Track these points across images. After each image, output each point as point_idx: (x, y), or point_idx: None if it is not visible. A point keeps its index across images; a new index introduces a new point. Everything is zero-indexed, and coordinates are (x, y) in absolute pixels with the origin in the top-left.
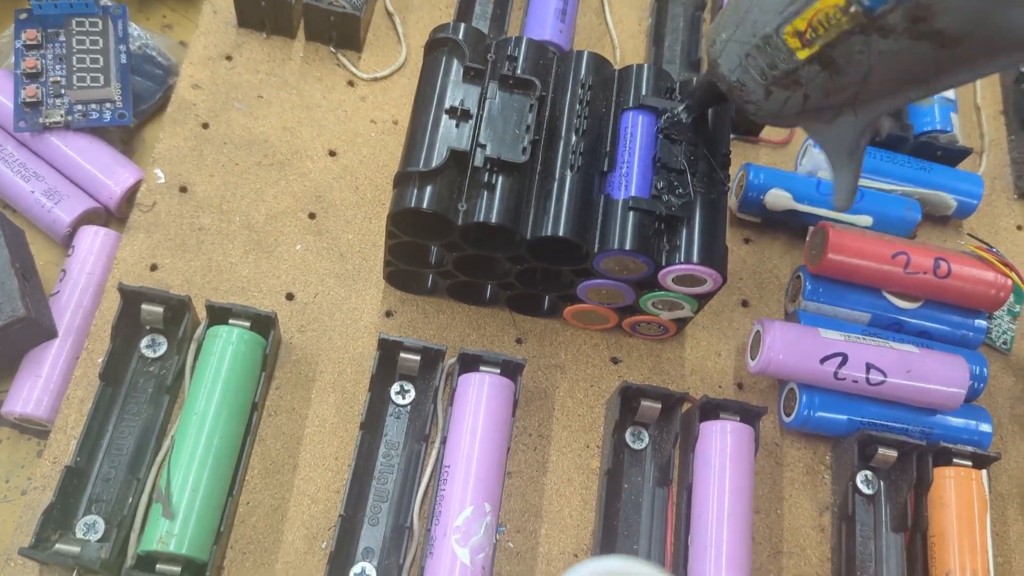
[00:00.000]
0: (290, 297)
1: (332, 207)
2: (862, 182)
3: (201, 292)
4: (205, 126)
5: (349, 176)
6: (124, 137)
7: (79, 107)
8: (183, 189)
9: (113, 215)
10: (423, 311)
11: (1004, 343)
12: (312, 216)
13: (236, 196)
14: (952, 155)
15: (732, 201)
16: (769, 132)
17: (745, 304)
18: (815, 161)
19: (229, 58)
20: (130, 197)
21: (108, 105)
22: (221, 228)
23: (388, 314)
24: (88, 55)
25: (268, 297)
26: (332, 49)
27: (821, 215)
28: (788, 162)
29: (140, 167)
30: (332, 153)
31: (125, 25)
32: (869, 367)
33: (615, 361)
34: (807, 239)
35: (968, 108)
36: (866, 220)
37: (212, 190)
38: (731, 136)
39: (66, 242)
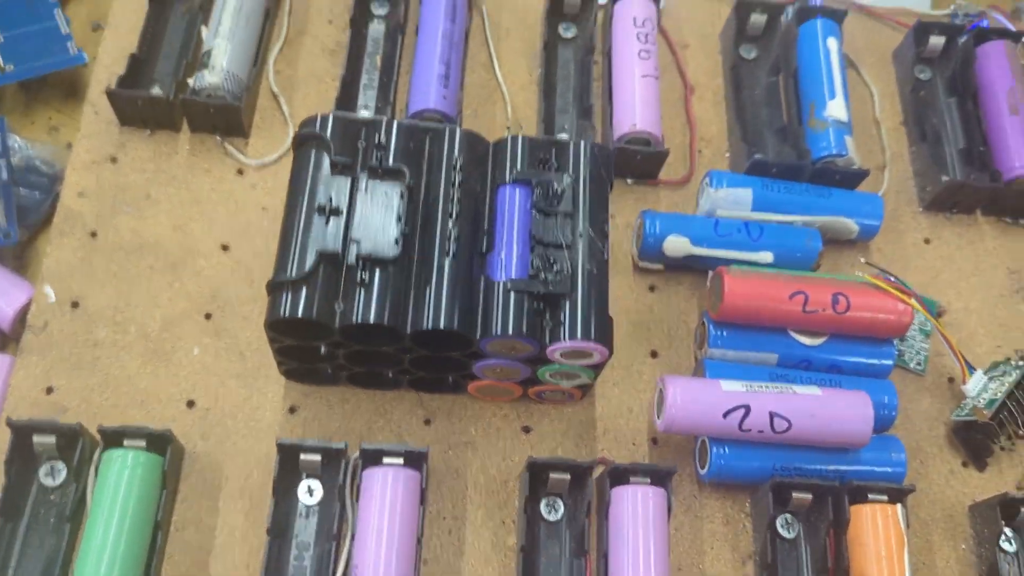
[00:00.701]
0: (191, 404)
1: (228, 305)
2: (759, 217)
3: (100, 411)
4: (93, 235)
5: (243, 270)
6: (16, 252)
7: None
8: (75, 304)
9: (7, 337)
10: (327, 402)
11: (918, 364)
12: (208, 317)
13: (130, 305)
14: (850, 178)
15: (633, 250)
16: (667, 173)
17: (655, 355)
18: (712, 200)
19: (114, 160)
20: (23, 316)
21: None
22: (116, 340)
23: (292, 410)
24: None
25: (168, 407)
26: (218, 138)
27: (721, 257)
28: (689, 200)
29: (32, 283)
30: (225, 247)
31: (4, 139)
32: (773, 416)
33: (527, 430)
34: (708, 285)
35: (868, 123)
36: (767, 257)
37: (105, 301)
38: (631, 181)
39: None
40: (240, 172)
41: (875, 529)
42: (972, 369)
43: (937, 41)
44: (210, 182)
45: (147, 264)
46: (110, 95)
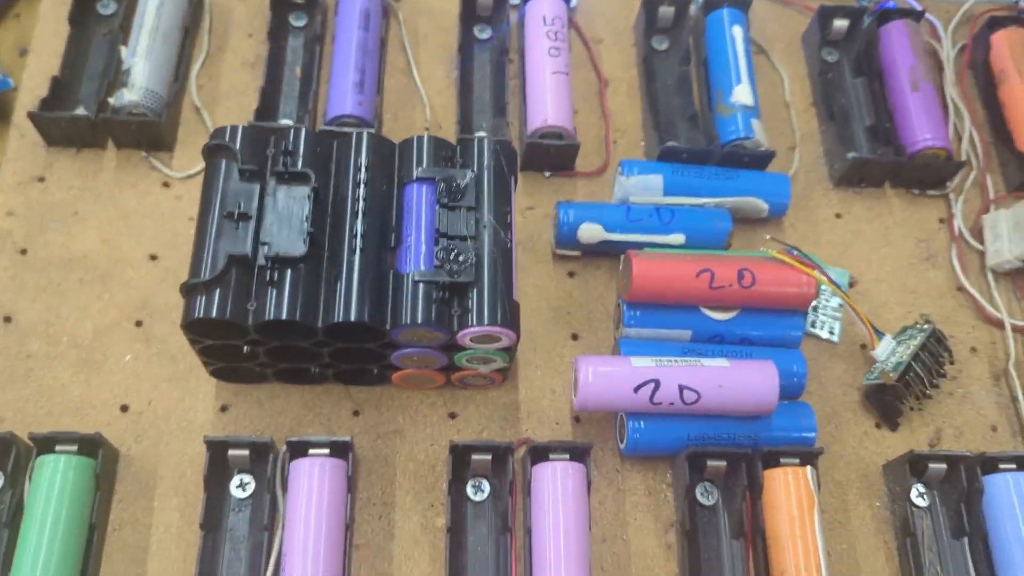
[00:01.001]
0: (124, 409)
1: (158, 312)
2: (671, 201)
3: (34, 420)
4: (23, 252)
5: (172, 278)
6: None
7: None
8: (7, 319)
9: None
10: (257, 400)
11: (831, 332)
12: (139, 324)
13: (61, 317)
14: (758, 159)
15: (550, 238)
16: (582, 163)
17: (575, 338)
18: (625, 188)
19: (41, 179)
20: None
21: None
22: (49, 352)
23: (223, 409)
24: None
25: (102, 413)
26: (143, 154)
27: (634, 241)
28: (606, 190)
29: None
30: (153, 257)
31: None
32: (682, 388)
33: (452, 416)
34: (620, 268)
35: (779, 107)
36: (679, 239)
37: (36, 315)
38: (548, 174)
39: None
40: (166, 185)
41: (787, 491)
42: (881, 335)
43: (841, 24)
44: (136, 196)
45: (76, 277)
46: (33, 117)
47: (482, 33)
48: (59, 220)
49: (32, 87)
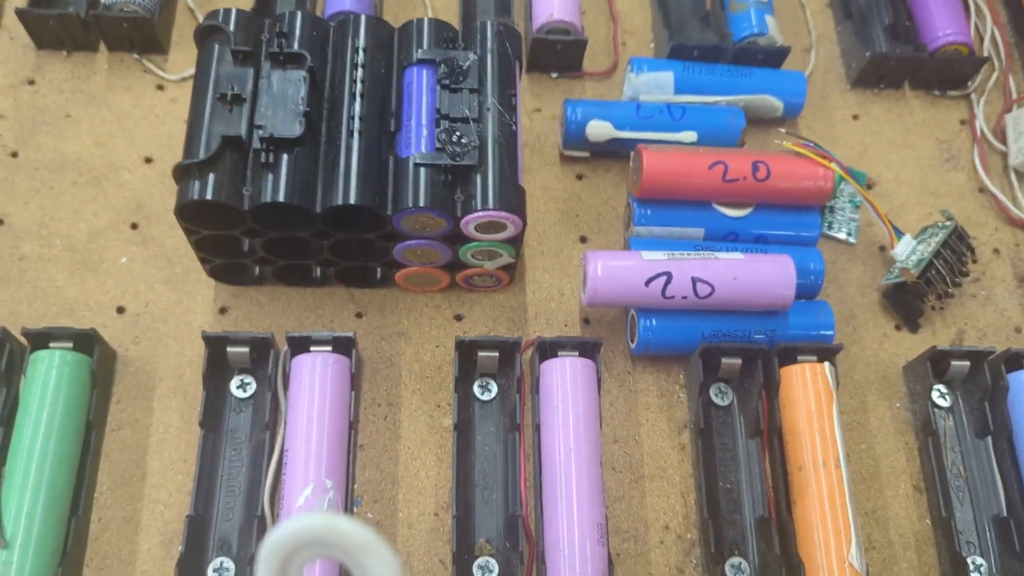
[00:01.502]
0: (120, 311)
1: (154, 214)
2: (684, 99)
3: (29, 321)
4: (14, 155)
5: (168, 181)
6: None
7: None
8: None
9: None
10: (257, 302)
11: (849, 233)
12: (135, 227)
13: (55, 219)
14: (772, 56)
15: (558, 140)
16: (590, 64)
17: (584, 240)
18: (635, 86)
19: (32, 82)
20: None
21: None
22: (43, 254)
23: (223, 311)
24: None
25: (98, 314)
26: (136, 56)
27: (644, 139)
28: (615, 91)
29: None
30: (148, 160)
31: None
32: (695, 281)
33: (458, 318)
34: (630, 165)
35: (793, 6)
36: (690, 136)
37: (29, 217)
38: (555, 75)
39: None
40: (160, 88)
41: (804, 387)
42: (900, 235)
43: None
44: (130, 99)
45: (70, 180)
46: (21, 15)
47: None
48: (50, 123)
49: None
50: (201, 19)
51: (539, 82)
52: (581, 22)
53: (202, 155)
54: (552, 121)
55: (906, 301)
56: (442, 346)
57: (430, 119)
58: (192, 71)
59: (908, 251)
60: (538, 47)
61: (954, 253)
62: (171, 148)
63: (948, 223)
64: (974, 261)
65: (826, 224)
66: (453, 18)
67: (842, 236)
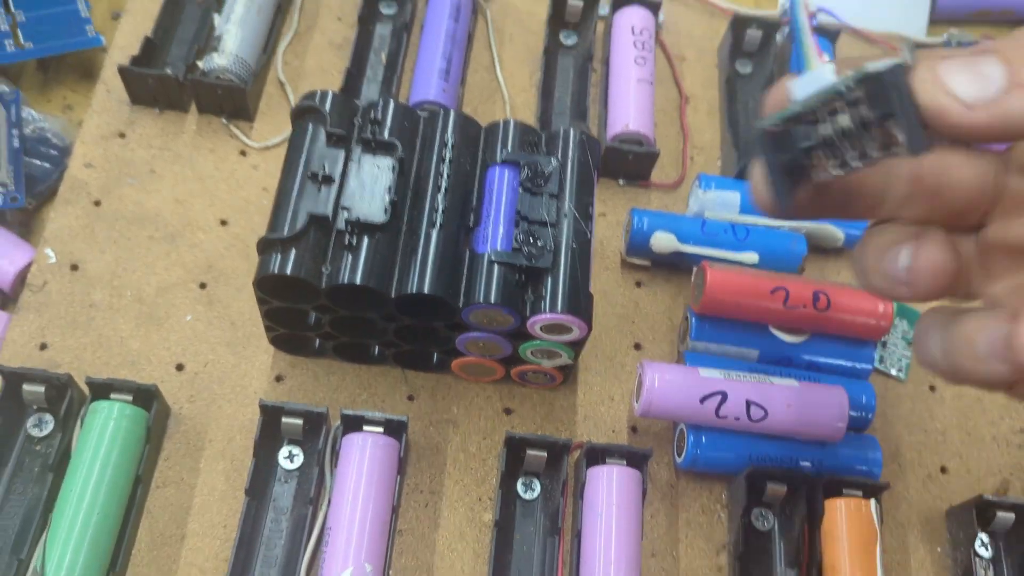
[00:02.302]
0: (180, 368)
1: (223, 276)
2: (748, 220)
3: (91, 369)
4: (97, 203)
5: (240, 244)
6: (22, 219)
7: None
8: (74, 267)
9: (7, 296)
10: (313, 374)
11: (899, 370)
12: (203, 286)
13: (127, 271)
14: None
15: (621, 247)
16: (657, 175)
17: (638, 347)
18: (701, 202)
19: (122, 135)
20: (23, 277)
21: (0, 189)
22: (112, 303)
23: (278, 379)
24: None
25: (158, 369)
26: (224, 121)
27: (706, 255)
28: (680, 204)
29: (34, 247)
30: (224, 222)
31: (18, 110)
32: (749, 404)
33: (508, 412)
34: (692, 279)
35: None
36: (752, 257)
37: (103, 266)
38: (623, 182)
39: None
40: (243, 153)
41: (849, 522)
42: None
43: None
44: (213, 161)
45: (147, 234)
46: (123, 72)
47: (568, 39)
48: (135, 176)
49: (123, 46)
50: (291, 92)
51: (606, 187)
52: (654, 134)
53: (287, 231)
54: (616, 227)
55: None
56: (489, 438)
57: (509, 219)
58: (275, 140)
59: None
60: (610, 155)
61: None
62: (247, 212)
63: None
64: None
65: (877, 358)
66: (530, 115)
67: (893, 372)
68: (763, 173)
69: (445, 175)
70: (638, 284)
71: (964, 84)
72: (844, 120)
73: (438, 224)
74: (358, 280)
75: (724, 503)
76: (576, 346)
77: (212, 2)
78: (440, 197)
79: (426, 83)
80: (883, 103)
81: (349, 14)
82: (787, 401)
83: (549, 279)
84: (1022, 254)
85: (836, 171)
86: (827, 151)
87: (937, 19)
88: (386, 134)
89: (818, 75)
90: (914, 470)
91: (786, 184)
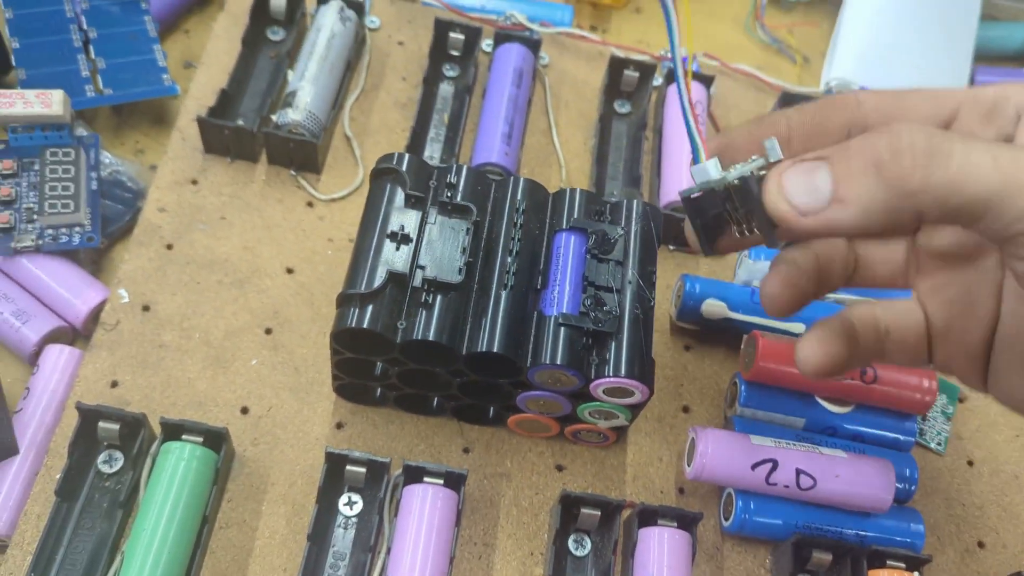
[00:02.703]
0: (245, 411)
1: (288, 323)
2: None
3: (159, 408)
4: (169, 247)
5: (305, 292)
6: (94, 257)
7: (50, 231)
8: (146, 308)
9: (79, 333)
10: (372, 422)
11: (939, 444)
12: (268, 332)
13: (196, 313)
14: None
15: (671, 310)
16: None
17: (686, 410)
18: (750, 271)
19: (195, 182)
20: (96, 315)
21: (77, 229)
22: (181, 345)
23: (339, 426)
24: (60, 183)
25: (224, 411)
26: (292, 172)
27: (755, 323)
28: (727, 271)
29: (107, 286)
30: (290, 271)
31: (97, 154)
32: (799, 472)
33: (560, 468)
34: (741, 347)
35: None
36: (800, 327)
37: (174, 308)
38: (672, 248)
39: (32, 360)
40: (310, 204)
41: None
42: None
43: None
44: (281, 211)
45: (216, 279)
46: (201, 123)
47: (622, 108)
48: (206, 222)
49: (197, 96)
50: (356, 148)
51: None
52: None
53: (364, 287)
54: (666, 291)
55: (710, 217)
56: (541, 494)
57: (576, 283)
58: (341, 193)
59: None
60: (663, 222)
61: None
62: (312, 262)
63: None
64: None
65: (918, 431)
66: (584, 179)
67: (932, 445)
68: (690, 228)
69: (516, 239)
70: (687, 348)
71: (799, 195)
72: (728, 204)
73: (508, 286)
74: (431, 336)
75: (768, 568)
76: (635, 409)
77: (284, 56)
78: (511, 260)
79: (489, 146)
80: (745, 203)
81: (414, 75)
82: (836, 471)
83: (613, 343)
84: (944, 259)
85: (738, 234)
86: (728, 218)
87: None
88: (459, 197)
89: (703, 169)
90: (953, 544)
91: (706, 236)
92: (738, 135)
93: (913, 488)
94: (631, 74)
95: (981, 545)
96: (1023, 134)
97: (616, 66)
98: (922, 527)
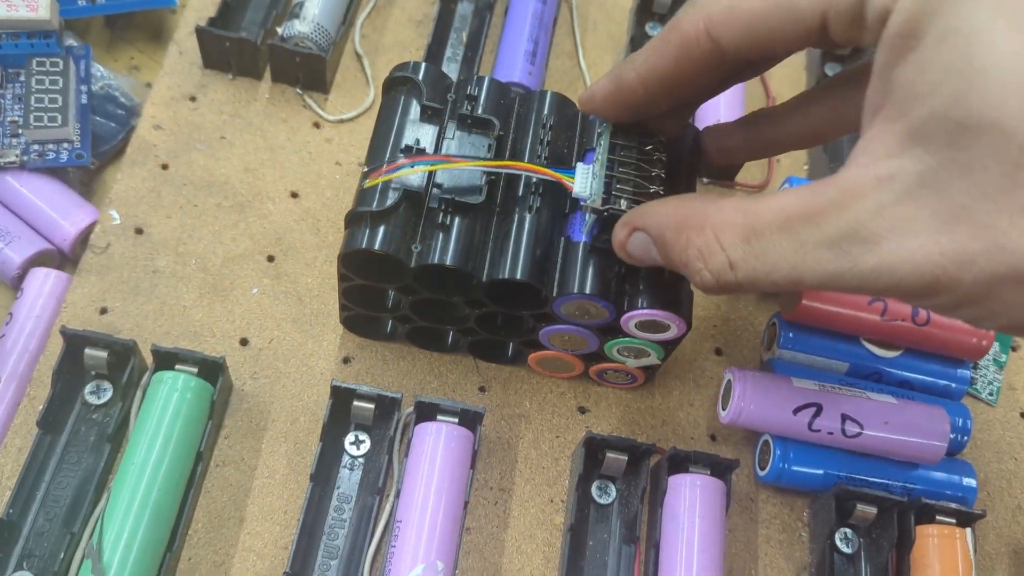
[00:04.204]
0: (244, 342)
1: (292, 250)
2: None
3: (152, 336)
4: (165, 167)
5: (311, 219)
6: (84, 178)
7: (36, 147)
8: (139, 231)
9: (67, 257)
10: (382, 357)
11: (990, 394)
12: (271, 259)
13: (193, 238)
14: None
15: None
16: (744, 176)
17: (719, 352)
18: None
19: (193, 99)
20: (85, 238)
21: (66, 145)
22: (176, 271)
23: (346, 360)
24: (47, 95)
25: (221, 342)
26: (298, 90)
27: None
28: None
29: (98, 208)
30: (294, 195)
31: (88, 65)
32: (845, 418)
33: (582, 411)
34: None
35: None
36: None
37: (168, 232)
38: (707, 181)
39: (16, 284)
40: (316, 125)
41: (942, 552)
42: (571, 171)
43: None
44: (286, 131)
45: (215, 202)
46: (200, 33)
47: (653, 30)
48: (205, 142)
49: (197, 8)
50: (368, 66)
51: None
52: None
53: (376, 205)
54: None
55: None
56: (562, 437)
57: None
58: (350, 114)
59: (587, 183)
60: None
61: (627, 149)
62: (318, 186)
63: (602, 126)
64: (661, 149)
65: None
66: None
67: (984, 395)
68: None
69: (543, 157)
70: None
71: (635, 250)
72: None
73: (533, 208)
74: (448, 261)
75: (806, 522)
76: (669, 346)
77: None
78: (536, 179)
79: (512, 64)
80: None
81: None
82: (884, 418)
83: (649, 273)
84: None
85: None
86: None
87: None
88: (480, 111)
89: (579, 175)
90: (1003, 500)
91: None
92: (602, 105)
93: (966, 439)
94: None
95: None
96: (882, 54)
97: None
98: (974, 481)
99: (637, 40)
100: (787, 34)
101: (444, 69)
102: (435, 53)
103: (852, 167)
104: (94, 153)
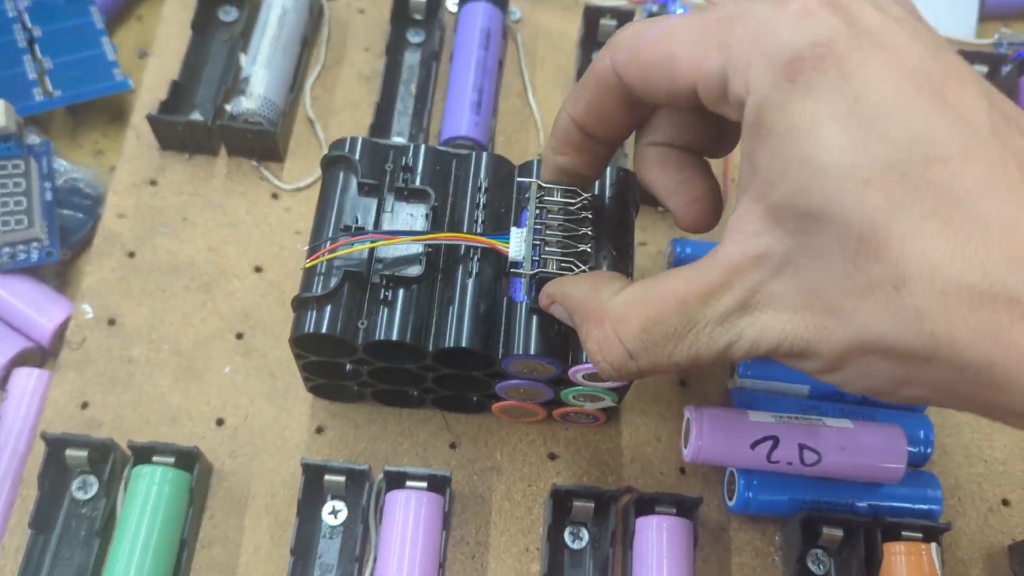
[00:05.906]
0: (220, 422)
1: (260, 324)
2: None
3: (132, 426)
4: (131, 255)
5: (276, 291)
6: (58, 270)
7: (6, 250)
8: (111, 322)
9: (48, 352)
10: (354, 423)
11: None
12: (240, 336)
13: (164, 323)
14: None
15: None
16: None
17: (684, 384)
18: None
19: (154, 183)
20: (63, 331)
21: (35, 244)
22: (150, 358)
23: (319, 430)
24: (12, 198)
25: (199, 424)
26: (254, 163)
27: None
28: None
29: (72, 300)
30: (258, 269)
31: (50, 162)
32: (802, 448)
33: (552, 457)
34: None
35: None
36: None
37: (140, 319)
38: (661, 209)
39: (1, 385)
40: (275, 196)
41: (909, 568)
42: (504, 236)
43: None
44: (245, 205)
45: (182, 284)
46: (151, 120)
47: None
48: (168, 225)
49: (151, 88)
50: (320, 130)
51: (646, 215)
52: None
53: (320, 289)
54: (657, 256)
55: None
56: (534, 485)
57: None
58: (306, 181)
59: (521, 248)
60: None
61: (553, 211)
62: (281, 258)
63: (528, 192)
64: (587, 205)
65: None
66: None
67: None
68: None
69: (480, 221)
70: None
71: (560, 316)
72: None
73: (474, 273)
74: (394, 336)
75: (778, 546)
76: (620, 391)
77: (238, 38)
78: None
79: (458, 118)
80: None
81: (377, 44)
82: (841, 444)
83: None
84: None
85: (583, 247)
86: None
87: (987, 17)
88: (418, 180)
89: (515, 238)
90: (975, 503)
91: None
92: (560, 165)
93: (929, 451)
94: (608, 23)
95: (1006, 503)
96: (745, 137)
97: (592, 16)
98: (939, 492)
99: (584, 72)
100: (676, 92)
101: (395, 124)
102: (385, 110)
103: (729, 243)
104: (64, 245)
